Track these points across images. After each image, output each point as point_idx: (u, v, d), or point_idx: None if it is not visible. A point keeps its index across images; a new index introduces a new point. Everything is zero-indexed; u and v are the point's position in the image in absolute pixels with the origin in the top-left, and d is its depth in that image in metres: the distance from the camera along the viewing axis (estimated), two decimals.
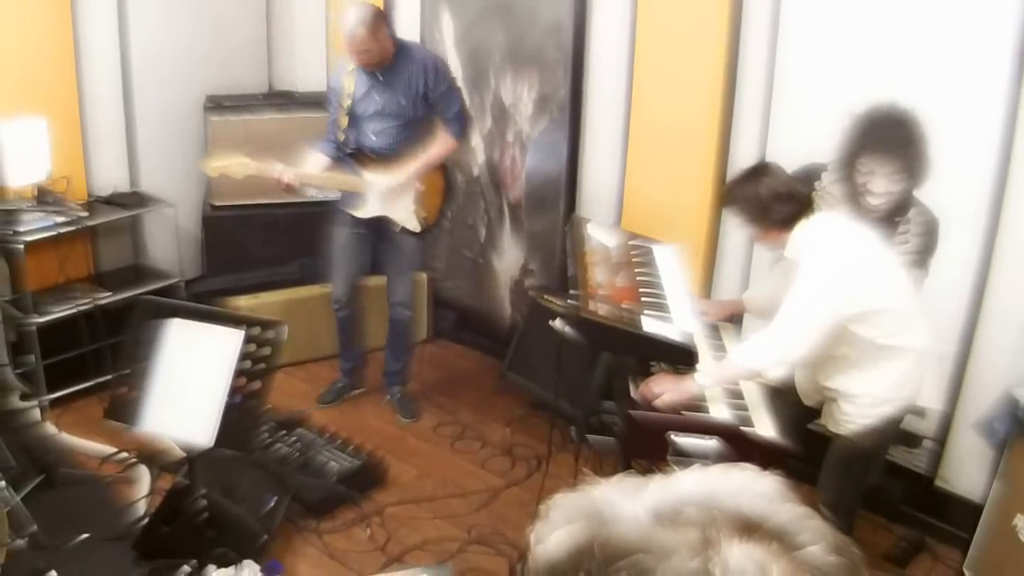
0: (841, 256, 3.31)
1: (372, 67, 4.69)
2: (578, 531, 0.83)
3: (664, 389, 3.34)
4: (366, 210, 4.93)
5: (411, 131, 4.86)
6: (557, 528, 0.85)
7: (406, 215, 4.96)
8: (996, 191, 3.77)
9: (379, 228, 5.03)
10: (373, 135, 4.83)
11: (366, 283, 5.38)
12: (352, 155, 4.86)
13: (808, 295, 3.26)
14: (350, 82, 4.77)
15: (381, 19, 4.64)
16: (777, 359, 3.41)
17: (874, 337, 3.32)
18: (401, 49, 4.77)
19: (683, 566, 0.76)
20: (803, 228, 3.37)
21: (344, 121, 4.81)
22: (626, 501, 0.85)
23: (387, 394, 5.45)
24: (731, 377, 3.49)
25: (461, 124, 4.96)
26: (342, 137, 4.84)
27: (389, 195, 4.88)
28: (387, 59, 4.70)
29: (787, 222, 3.38)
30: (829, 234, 3.37)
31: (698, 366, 3.49)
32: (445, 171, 5.15)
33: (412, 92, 4.76)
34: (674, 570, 0.76)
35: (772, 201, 3.35)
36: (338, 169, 4.88)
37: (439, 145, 4.93)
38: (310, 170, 4.81)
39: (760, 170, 3.50)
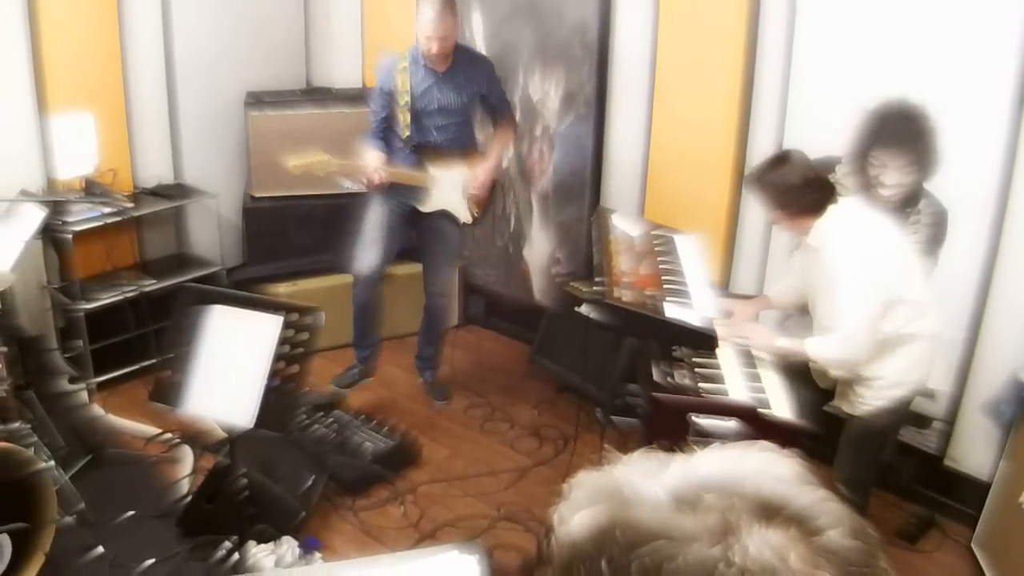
0: (864, 247, 3.38)
1: (442, 57, 4.68)
2: (600, 513, 0.83)
3: (752, 333, 3.69)
4: (430, 204, 4.96)
5: (469, 127, 4.98)
6: (579, 509, 0.85)
7: (463, 209, 5.03)
8: (1003, 183, 3.85)
9: (426, 220, 5.05)
10: (435, 130, 4.85)
11: (395, 271, 5.43)
12: (415, 150, 4.86)
13: (847, 293, 3.35)
14: (404, 79, 4.74)
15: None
16: (844, 358, 3.46)
17: (893, 326, 3.41)
18: (459, 49, 4.83)
19: (704, 553, 0.76)
20: (826, 218, 3.43)
21: (405, 117, 4.79)
22: (647, 482, 0.85)
23: (420, 378, 5.51)
24: (804, 355, 3.55)
25: (510, 111, 5.15)
26: (406, 133, 4.81)
27: (454, 190, 4.93)
28: (451, 53, 4.75)
29: (809, 209, 3.44)
30: (851, 225, 3.43)
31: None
32: None
33: (472, 92, 4.84)
34: (695, 557, 0.76)
35: (793, 188, 3.41)
36: (393, 163, 4.89)
37: (503, 135, 5.09)
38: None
39: (783, 158, 3.54)
